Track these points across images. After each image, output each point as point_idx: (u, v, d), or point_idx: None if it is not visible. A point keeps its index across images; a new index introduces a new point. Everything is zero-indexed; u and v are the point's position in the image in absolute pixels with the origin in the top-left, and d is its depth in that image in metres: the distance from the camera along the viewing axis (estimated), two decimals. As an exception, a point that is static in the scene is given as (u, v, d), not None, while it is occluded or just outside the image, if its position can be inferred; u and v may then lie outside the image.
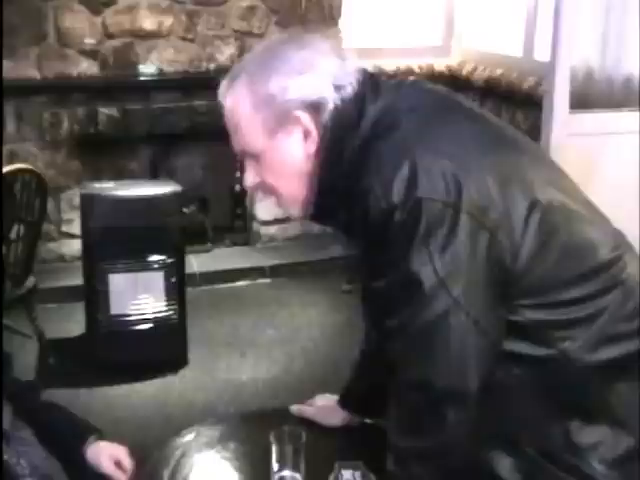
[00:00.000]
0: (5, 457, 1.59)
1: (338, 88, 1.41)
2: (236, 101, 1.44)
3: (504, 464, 1.43)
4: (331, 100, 1.40)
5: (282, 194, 1.49)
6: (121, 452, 1.88)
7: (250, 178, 1.49)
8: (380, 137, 1.40)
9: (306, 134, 1.43)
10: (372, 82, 1.46)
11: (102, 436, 1.92)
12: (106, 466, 1.84)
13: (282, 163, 1.45)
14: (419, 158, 1.34)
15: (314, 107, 1.41)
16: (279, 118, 1.41)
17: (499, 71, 4.74)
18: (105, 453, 1.86)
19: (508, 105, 4.69)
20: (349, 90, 1.41)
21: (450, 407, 1.35)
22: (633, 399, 1.42)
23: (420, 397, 1.37)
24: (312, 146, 1.43)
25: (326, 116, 1.41)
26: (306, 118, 1.41)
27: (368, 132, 1.41)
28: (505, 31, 4.95)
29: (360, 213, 1.38)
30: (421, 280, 1.32)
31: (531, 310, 1.38)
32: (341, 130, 1.41)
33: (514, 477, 1.42)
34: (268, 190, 1.50)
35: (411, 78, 1.59)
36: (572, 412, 1.41)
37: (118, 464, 1.86)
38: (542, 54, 4.22)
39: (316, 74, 1.40)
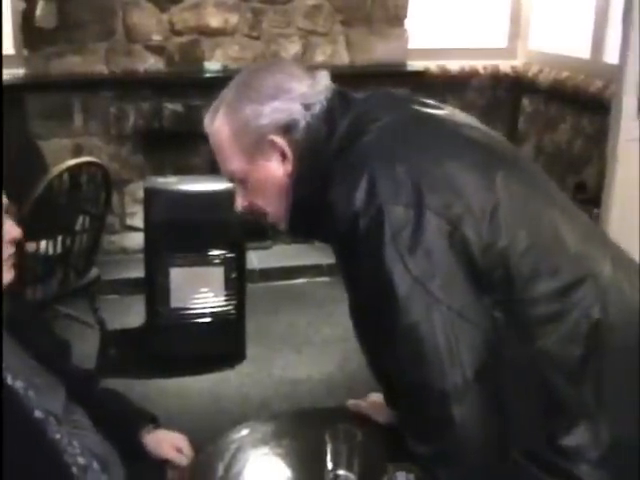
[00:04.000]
0: (57, 436, 1.63)
1: (308, 107, 1.50)
2: (217, 131, 1.54)
3: None
4: (302, 118, 1.49)
5: (269, 212, 1.59)
6: (182, 440, 1.92)
7: (240, 201, 1.61)
8: (345, 149, 1.46)
9: (283, 155, 1.51)
10: (342, 98, 1.53)
11: (159, 424, 1.95)
12: (167, 452, 1.87)
13: (265, 184, 1.55)
14: (378, 166, 1.40)
15: (287, 128, 1.49)
16: (256, 143, 1.51)
17: (565, 73, 4.67)
18: (166, 440, 1.90)
19: (573, 108, 4.62)
20: (318, 107, 1.50)
21: (454, 404, 1.34)
22: (612, 390, 1.41)
23: (422, 401, 1.38)
24: (289, 165, 1.52)
25: (298, 135, 1.49)
26: (281, 141, 1.50)
27: (337, 145, 1.47)
28: (572, 33, 4.87)
29: (330, 225, 1.43)
30: (396, 282, 1.34)
31: (503, 306, 1.38)
32: (313, 145, 1.49)
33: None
34: (257, 211, 1.60)
35: (382, 89, 1.66)
36: (553, 411, 1.40)
37: (179, 451, 1.88)
38: (611, 56, 4.14)
39: (287, 97, 1.49)
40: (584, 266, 1.43)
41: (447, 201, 1.37)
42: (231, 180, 1.60)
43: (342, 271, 1.53)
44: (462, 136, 1.52)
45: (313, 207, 1.49)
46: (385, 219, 1.35)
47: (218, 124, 1.54)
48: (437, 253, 1.35)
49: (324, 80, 1.55)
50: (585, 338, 1.40)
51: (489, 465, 1.38)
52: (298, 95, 1.50)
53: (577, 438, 1.39)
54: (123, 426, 1.87)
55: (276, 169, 1.52)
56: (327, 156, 1.48)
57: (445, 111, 1.59)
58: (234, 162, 1.54)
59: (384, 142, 1.45)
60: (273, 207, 1.57)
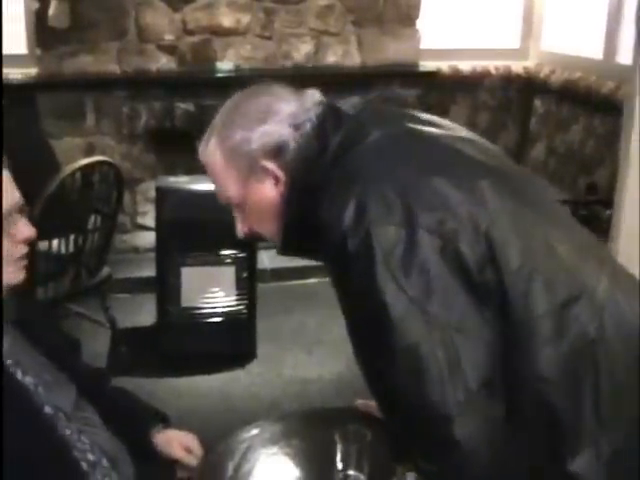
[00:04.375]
0: (67, 432, 1.64)
1: (297, 127, 1.50)
2: (211, 158, 1.57)
3: None
4: (291, 140, 1.49)
5: (267, 235, 1.60)
6: (191, 439, 1.92)
7: (239, 227, 1.62)
8: (335, 168, 1.45)
9: (276, 179, 1.52)
10: (333, 113, 1.52)
11: (169, 423, 1.96)
12: (177, 452, 1.88)
13: (260, 208, 1.56)
14: (367, 186, 1.38)
15: (277, 151, 1.50)
16: (249, 169, 1.52)
17: (577, 74, 4.66)
18: (176, 440, 1.90)
19: (585, 109, 4.61)
20: (308, 125, 1.49)
21: (457, 422, 1.32)
22: (611, 407, 1.39)
23: (424, 421, 1.36)
24: (282, 187, 1.52)
25: (289, 156, 1.49)
26: (272, 166, 1.50)
27: (331, 158, 1.47)
28: (585, 33, 4.86)
29: (322, 245, 1.42)
30: (389, 302, 1.32)
31: (499, 320, 1.35)
32: (304, 164, 1.49)
33: None
34: (257, 235, 1.61)
35: (374, 103, 1.65)
36: (554, 429, 1.38)
37: (189, 450, 1.89)
38: (624, 57, 4.13)
39: (276, 120, 1.50)
40: (579, 282, 1.40)
41: (440, 218, 1.35)
42: (229, 206, 1.60)
43: (336, 290, 1.52)
44: (455, 152, 1.50)
45: (305, 226, 1.49)
46: (376, 240, 1.33)
47: (211, 152, 1.56)
48: (432, 270, 1.33)
49: (313, 97, 1.55)
50: (583, 355, 1.37)
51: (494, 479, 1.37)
52: (286, 116, 1.50)
53: (581, 463, 1.37)
54: (133, 425, 1.88)
55: (270, 191, 1.53)
56: (321, 171, 1.46)
57: (439, 125, 1.57)
58: (230, 188, 1.55)
59: (374, 160, 1.44)
60: (270, 229, 1.58)
